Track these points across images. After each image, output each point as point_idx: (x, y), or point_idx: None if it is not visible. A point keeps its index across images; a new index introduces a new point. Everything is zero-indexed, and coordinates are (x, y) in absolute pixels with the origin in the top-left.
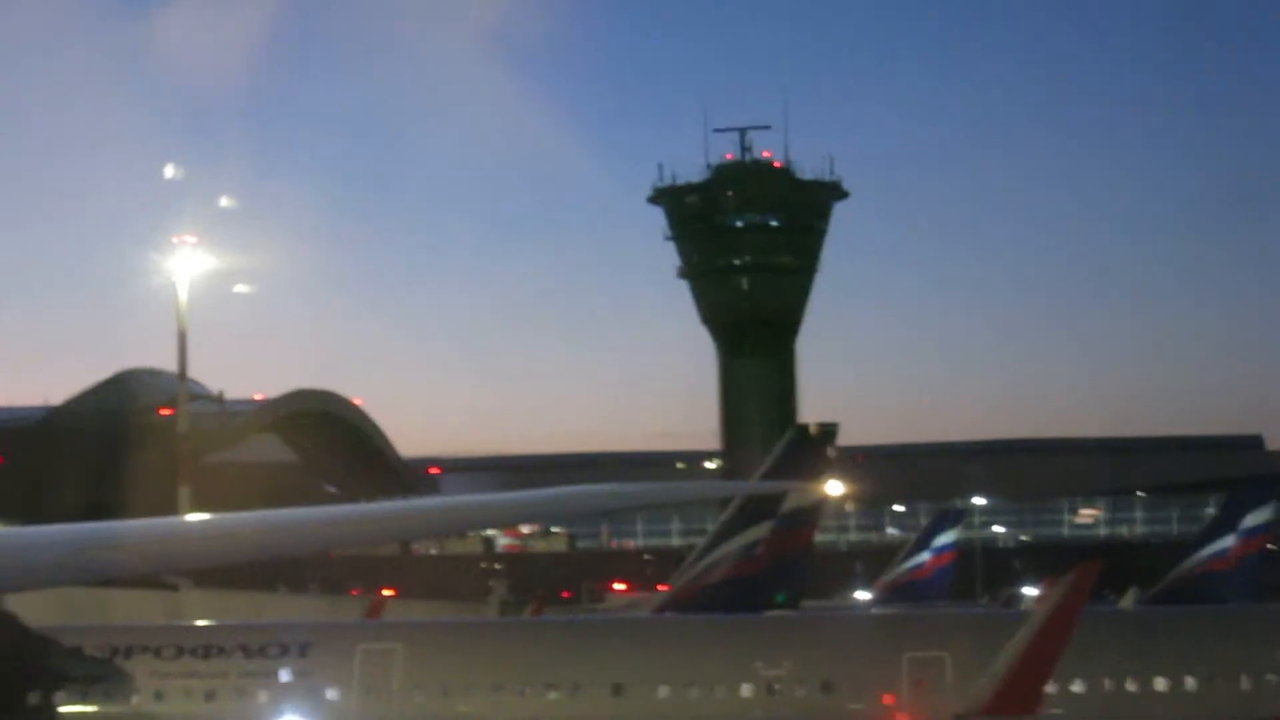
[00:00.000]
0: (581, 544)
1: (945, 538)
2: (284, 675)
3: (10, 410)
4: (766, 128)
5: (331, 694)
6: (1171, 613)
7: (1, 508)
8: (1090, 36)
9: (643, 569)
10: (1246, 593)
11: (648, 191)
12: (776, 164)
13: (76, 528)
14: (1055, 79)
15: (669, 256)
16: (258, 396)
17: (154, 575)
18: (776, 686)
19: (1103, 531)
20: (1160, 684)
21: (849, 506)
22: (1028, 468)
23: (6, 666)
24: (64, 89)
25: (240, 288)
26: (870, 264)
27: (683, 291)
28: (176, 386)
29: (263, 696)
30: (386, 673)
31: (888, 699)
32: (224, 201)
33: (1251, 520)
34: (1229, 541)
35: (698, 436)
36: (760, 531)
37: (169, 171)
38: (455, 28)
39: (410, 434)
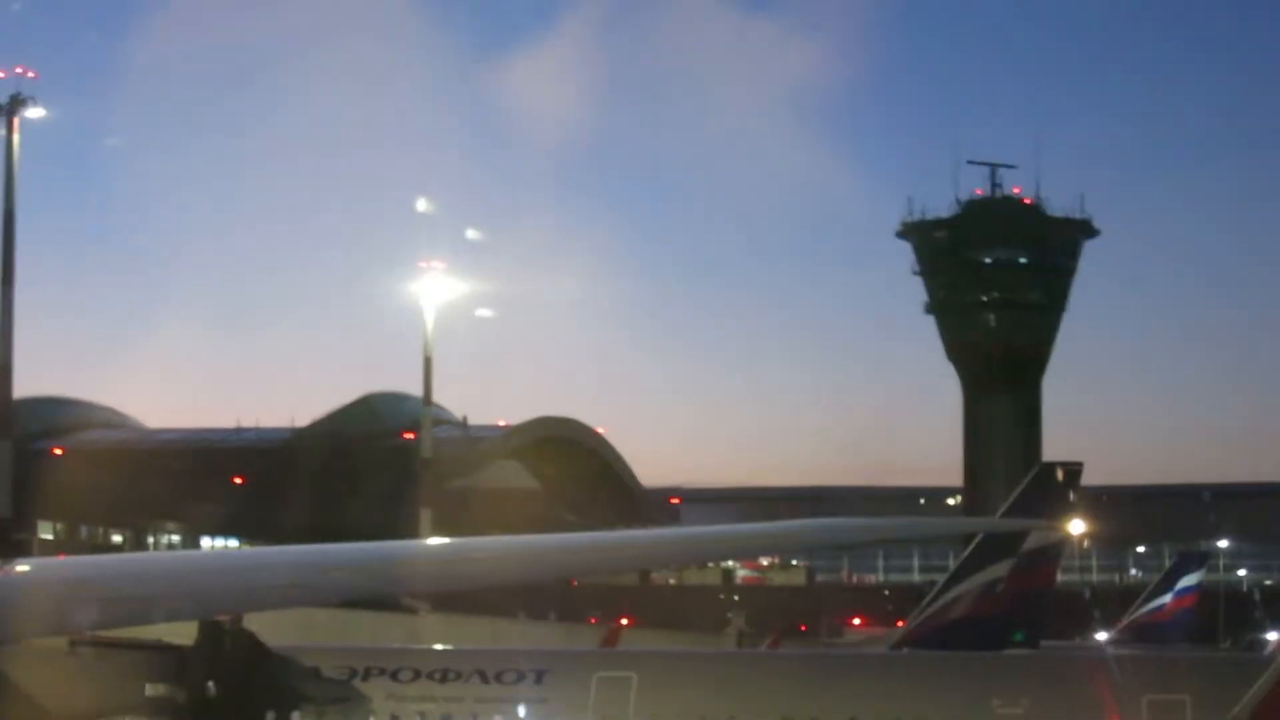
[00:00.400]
0: (821, 577)
1: (1188, 580)
2: (519, 701)
3: (258, 431)
4: (1013, 167)
5: None
6: None
7: (246, 527)
8: None
9: (882, 604)
10: None
11: (896, 226)
12: (1026, 200)
13: (317, 548)
14: None
15: (916, 291)
16: (501, 423)
17: (394, 598)
18: None
19: None
20: None
21: (1091, 546)
22: (1274, 511)
23: (245, 684)
24: (323, 111)
25: (482, 312)
26: (1120, 302)
27: (929, 326)
28: (421, 411)
29: None
30: (622, 701)
31: None
32: (471, 233)
33: None
34: None
35: (941, 472)
36: (1001, 569)
37: (420, 204)
38: (709, 62)
39: (651, 463)
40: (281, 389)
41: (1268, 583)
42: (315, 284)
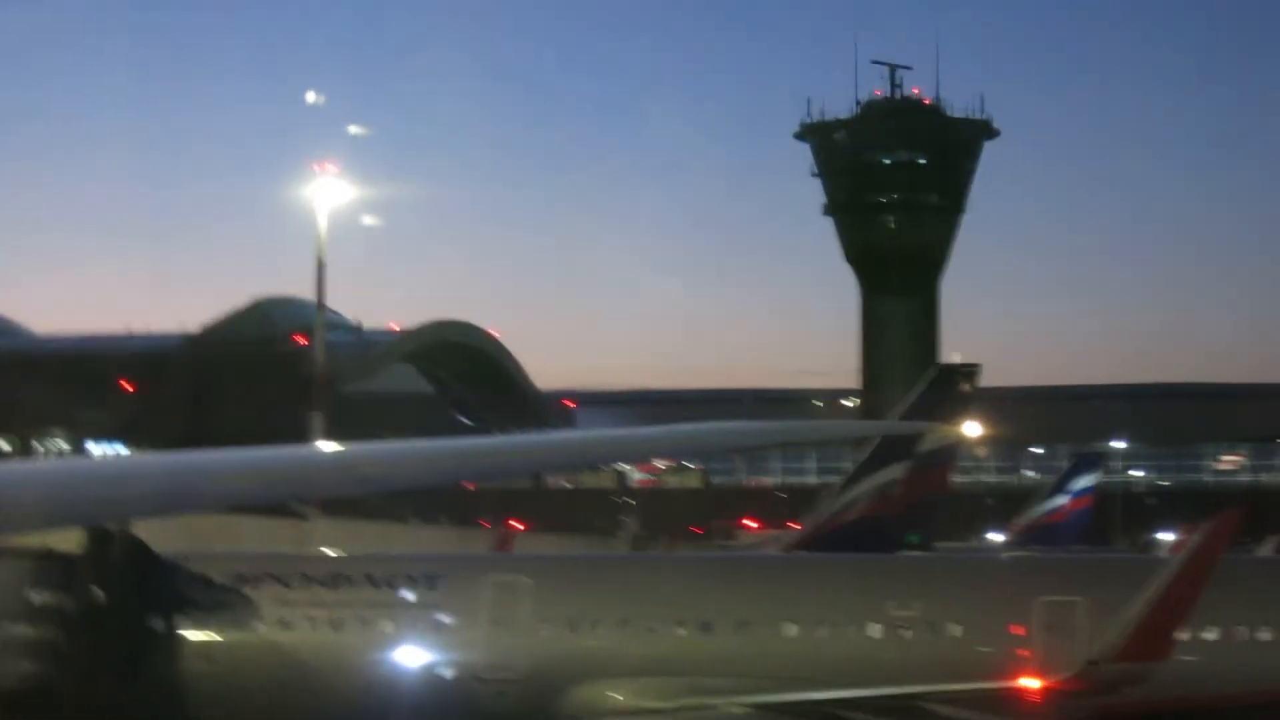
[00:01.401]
0: (717, 480)
1: (1083, 481)
2: (412, 606)
3: (147, 338)
4: (909, 68)
5: (458, 626)
6: None
7: (135, 434)
8: None
9: (778, 507)
10: None
11: (795, 127)
12: (926, 101)
13: (207, 455)
14: (1215, 16)
15: (815, 193)
16: (395, 327)
17: (284, 503)
18: (906, 628)
19: (1244, 478)
20: None
21: (987, 448)
22: (1170, 412)
23: (133, 591)
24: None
25: (369, 220)
26: (1019, 204)
27: (827, 228)
28: (314, 315)
29: (389, 627)
30: (516, 605)
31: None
32: (354, 129)
33: None
34: None
35: (838, 374)
36: (897, 471)
37: (310, 97)
38: None
39: (547, 366)
40: (172, 294)
41: (1164, 484)
42: (205, 188)
